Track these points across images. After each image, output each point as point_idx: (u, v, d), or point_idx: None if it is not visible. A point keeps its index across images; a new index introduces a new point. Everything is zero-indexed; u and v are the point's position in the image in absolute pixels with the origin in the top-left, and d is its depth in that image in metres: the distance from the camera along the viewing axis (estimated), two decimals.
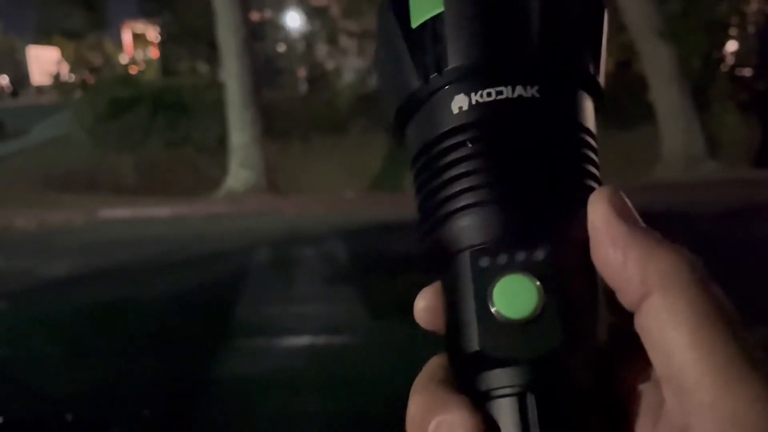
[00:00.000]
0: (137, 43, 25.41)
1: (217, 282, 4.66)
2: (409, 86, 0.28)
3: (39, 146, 12.94)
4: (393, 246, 5.23)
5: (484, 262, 0.26)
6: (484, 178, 0.26)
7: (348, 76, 15.21)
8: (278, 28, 18.53)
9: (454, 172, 0.26)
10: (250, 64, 9.32)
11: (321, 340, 3.40)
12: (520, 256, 0.25)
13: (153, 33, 21.52)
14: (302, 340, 3.41)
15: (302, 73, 16.72)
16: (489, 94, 0.26)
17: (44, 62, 23.52)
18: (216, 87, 10.92)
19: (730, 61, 11.56)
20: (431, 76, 0.27)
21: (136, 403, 2.57)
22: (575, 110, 0.27)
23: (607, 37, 0.29)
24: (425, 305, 0.28)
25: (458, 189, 0.26)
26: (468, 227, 0.26)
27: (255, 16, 16.69)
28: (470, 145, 0.26)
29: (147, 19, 21.18)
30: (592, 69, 0.28)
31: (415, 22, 0.28)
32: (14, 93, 30.14)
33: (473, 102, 0.26)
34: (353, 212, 7.41)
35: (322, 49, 16.83)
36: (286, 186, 9.52)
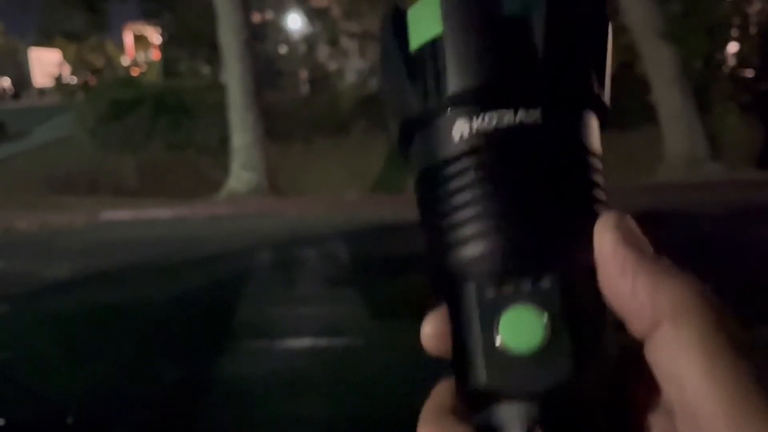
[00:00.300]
0: (139, 45, 25.43)
1: (219, 283, 4.66)
2: (410, 110, 0.27)
3: (41, 148, 12.98)
4: (395, 247, 5.22)
5: (490, 293, 0.25)
6: (489, 206, 0.25)
7: (349, 78, 15.23)
8: (279, 29, 18.54)
9: (457, 200, 0.26)
10: (252, 66, 9.32)
11: (322, 341, 3.39)
12: (527, 286, 0.25)
13: (154, 35, 21.55)
14: (304, 342, 3.40)
15: (304, 74, 16.74)
16: (491, 120, 0.26)
17: (46, 64, 23.58)
18: (217, 88, 10.92)
19: (731, 62, 11.54)
20: (430, 101, 0.26)
21: (137, 405, 2.57)
22: (580, 132, 0.26)
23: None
24: (432, 331, 0.27)
25: (463, 218, 0.26)
26: (473, 257, 0.25)
27: (256, 17, 16.69)
28: (473, 173, 0.25)
29: (148, 20, 21.20)
30: (596, 88, 0.27)
31: (414, 45, 0.27)
32: (16, 95, 30.20)
33: (474, 129, 0.26)
34: (355, 213, 7.40)
35: (323, 51, 16.84)
36: (288, 187, 9.52)
